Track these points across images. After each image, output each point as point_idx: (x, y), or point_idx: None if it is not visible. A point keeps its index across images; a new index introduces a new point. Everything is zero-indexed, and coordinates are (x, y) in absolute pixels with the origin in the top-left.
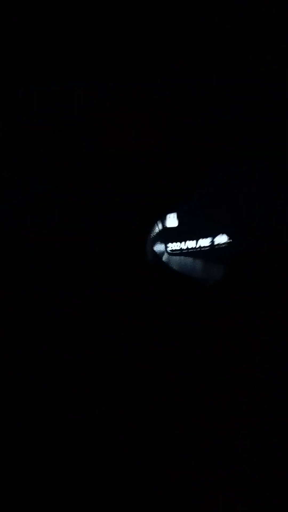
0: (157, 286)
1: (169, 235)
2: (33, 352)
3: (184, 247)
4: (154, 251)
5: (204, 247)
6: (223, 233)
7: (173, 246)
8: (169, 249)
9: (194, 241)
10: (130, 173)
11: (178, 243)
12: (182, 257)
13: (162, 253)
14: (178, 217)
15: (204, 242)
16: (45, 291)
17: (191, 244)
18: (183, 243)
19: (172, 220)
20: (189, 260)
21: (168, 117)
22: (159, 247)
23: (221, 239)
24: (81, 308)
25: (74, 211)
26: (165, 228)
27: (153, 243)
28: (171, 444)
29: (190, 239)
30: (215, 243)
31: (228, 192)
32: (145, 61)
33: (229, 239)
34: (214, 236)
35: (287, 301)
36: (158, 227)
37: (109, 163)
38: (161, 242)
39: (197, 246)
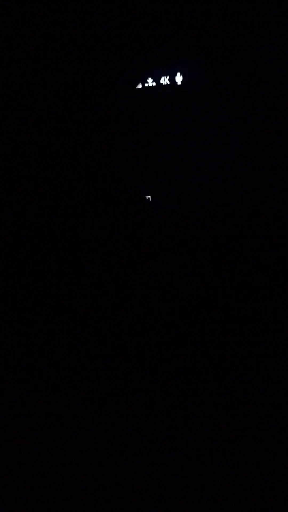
0: (156, 284)
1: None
2: (33, 352)
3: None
4: (126, 87)
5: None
6: (194, 70)
7: (149, 80)
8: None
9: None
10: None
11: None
12: (156, 94)
13: (135, 90)
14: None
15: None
16: (45, 291)
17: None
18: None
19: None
20: (163, 97)
21: None
22: (132, 82)
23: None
24: (80, 306)
25: (74, 211)
26: (141, 62)
27: (126, 78)
28: (171, 444)
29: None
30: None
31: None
32: None
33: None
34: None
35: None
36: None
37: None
38: (135, 75)
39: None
